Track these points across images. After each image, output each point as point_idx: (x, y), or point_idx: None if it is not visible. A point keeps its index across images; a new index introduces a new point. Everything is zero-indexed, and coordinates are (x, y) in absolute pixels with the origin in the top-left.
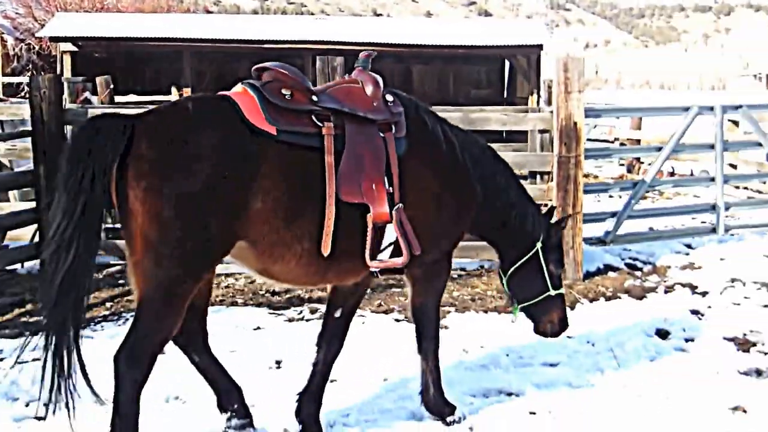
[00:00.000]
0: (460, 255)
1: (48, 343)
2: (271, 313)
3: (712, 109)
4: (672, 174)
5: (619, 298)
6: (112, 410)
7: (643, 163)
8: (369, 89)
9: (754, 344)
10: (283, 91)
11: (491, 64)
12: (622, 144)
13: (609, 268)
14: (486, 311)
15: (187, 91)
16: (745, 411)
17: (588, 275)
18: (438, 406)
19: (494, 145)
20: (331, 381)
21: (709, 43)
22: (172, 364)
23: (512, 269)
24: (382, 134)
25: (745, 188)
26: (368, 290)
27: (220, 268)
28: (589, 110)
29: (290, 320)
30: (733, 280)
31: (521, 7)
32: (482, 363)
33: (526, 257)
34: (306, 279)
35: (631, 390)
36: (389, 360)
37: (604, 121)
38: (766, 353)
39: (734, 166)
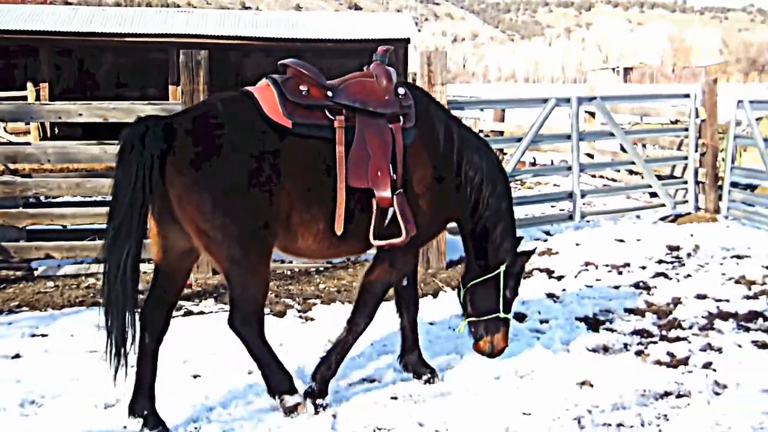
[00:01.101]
0: None
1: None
2: None
3: (568, 100)
4: (533, 164)
5: None
6: (256, 365)
7: (506, 154)
8: (382, 83)
9: (603, 323)
10: (301, 88)
11: (360, 57)
12: (486, 135)
13: None
14: (351, 302)
15: (44, 87)
16: (591, 385)
17: (451, 264)
18: (323, 381)
19: None
20: (195, 376)
21: (571, 37)
22: (24, 369)
23: (472, 283)
24: (390, 125)
25: (601, 176)
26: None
27: (82, 268)
28: (452, 102)
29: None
30: (587, 264)
31: (391, 1)
32: None
33: (488, 276)
34: (321, 253)
35: (488, 371)
36: None
37: (468, 113)
38: (613, 331)
39: (591, 156)
